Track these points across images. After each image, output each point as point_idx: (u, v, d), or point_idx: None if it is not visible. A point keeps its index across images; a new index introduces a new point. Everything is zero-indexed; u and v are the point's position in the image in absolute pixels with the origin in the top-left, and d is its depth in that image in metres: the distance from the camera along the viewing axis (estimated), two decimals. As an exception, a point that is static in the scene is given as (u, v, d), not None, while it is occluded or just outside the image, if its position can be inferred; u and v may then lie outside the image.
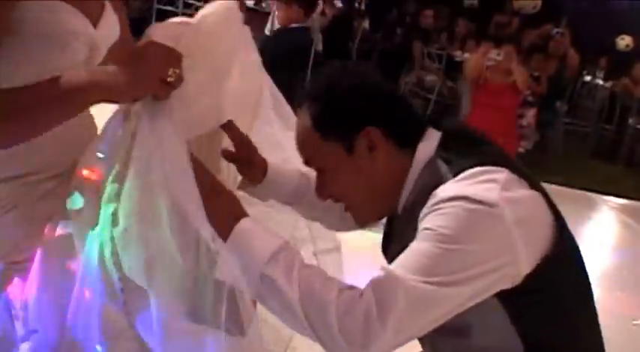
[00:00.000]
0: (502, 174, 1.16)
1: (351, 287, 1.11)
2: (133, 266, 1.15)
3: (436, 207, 1.13)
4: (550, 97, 6.96)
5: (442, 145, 1.25)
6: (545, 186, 1.23)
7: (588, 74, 8.66)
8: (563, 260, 1.19)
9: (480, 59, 6.21)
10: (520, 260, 1.12)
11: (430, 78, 7.50)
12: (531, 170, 1.23)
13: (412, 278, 1.08)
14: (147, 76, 1.10)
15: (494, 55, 6.09)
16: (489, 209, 1.10)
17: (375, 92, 1.27)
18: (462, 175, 1.16)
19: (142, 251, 1.14)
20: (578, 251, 1.27)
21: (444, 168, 1.21)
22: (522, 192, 1.16)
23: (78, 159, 1.24)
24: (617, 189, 6.30)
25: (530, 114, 6.52)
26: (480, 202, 1.11)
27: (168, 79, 1.11)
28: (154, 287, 1.13)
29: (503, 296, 1.15)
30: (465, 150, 1.22)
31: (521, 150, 6.28)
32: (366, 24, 8.62)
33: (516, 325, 1.19)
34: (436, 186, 1.16)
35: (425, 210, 1.15)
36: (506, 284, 1.14)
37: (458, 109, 7.08)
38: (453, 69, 7.28)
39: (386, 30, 8.59)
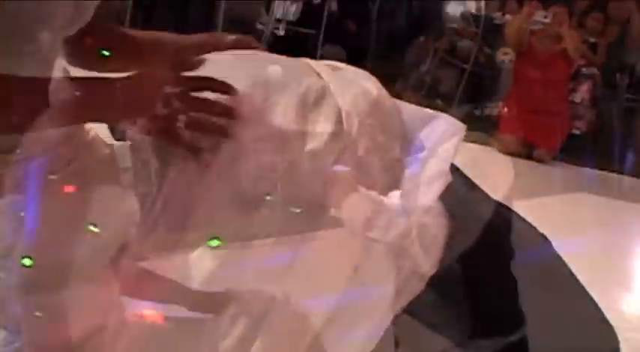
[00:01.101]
0: None
1: None
2: None
3: None
4: (609, 68, 6.87)
5: None
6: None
7: (655, 41, 8.50)
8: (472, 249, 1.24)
9: (524, 22, 6.18)
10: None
11: (464, 44, 7.48)
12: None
13: None
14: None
15: (541, 17, 6.12)
16: None
17: None
18: None
19: None
20: (505, 227, 1.35)
21: None
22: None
23: None
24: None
25: (585, 88, 6.50)
26: None
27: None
28: None
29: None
30: None
31: (575, 131, 6.22)
32: (389, -21, 8.53)
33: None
34: None
35: None
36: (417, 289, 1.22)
37: (497, 82, 6.99)
38: (492, 33, 7.27)
39: (413, -13, 8.52)
